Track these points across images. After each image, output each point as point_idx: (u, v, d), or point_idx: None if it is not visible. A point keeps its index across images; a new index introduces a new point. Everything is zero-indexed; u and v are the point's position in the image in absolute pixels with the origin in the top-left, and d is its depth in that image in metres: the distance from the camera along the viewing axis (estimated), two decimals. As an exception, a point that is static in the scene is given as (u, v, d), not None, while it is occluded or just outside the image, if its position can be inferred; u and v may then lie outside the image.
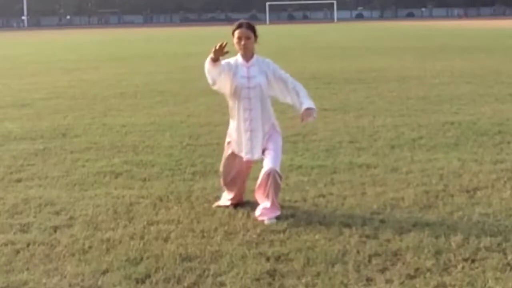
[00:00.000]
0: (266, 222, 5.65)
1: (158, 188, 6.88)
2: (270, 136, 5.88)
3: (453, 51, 27.94)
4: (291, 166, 7.64)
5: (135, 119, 11.45)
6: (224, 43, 5.48)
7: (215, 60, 5.56)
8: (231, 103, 5.92)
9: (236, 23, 5.81)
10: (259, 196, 5.87)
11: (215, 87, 5.86)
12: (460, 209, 5.96)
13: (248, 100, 5.78)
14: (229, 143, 6.05)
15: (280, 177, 5.81)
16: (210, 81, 5.77)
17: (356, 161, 7.89)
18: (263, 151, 5.88)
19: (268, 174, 5.70)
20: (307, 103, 5.83)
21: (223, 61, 5.71)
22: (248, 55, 5.81)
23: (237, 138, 5.91)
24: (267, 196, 5.75)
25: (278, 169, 5.76)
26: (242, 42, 5.73)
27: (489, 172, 7.28)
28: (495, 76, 17.20)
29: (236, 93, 5.79)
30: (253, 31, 5.77)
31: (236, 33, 5.73)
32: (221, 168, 6.15)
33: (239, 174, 6.04)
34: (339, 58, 25.41)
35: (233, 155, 6.00)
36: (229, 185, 6.09)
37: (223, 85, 5.81)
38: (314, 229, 5.46)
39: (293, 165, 7.72)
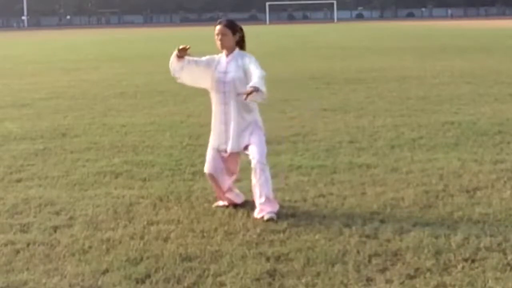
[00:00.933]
0: (265, 217, 5.66)
1: (158, 188, 6.88)
2: (252, 132, 5.95)
3: (453, 51, 27.95)
4: (291, 166, 7.64)
5: (135, 119, 11.45)
6: (188, 47, 5.93)
7: (180, 57, 5.99)
8: (211, 97, 6.14)
9: (217, 21, 6.14)
10: (254, 194, 5.89)
11: (178, 81, 6.24)
12: (460, 209, 5.95)
13: (223, 94, 5.98)
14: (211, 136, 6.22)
15: (267, 168, 5.87)
16: (171, 74, 6.16)
17: (356, 161, 7.89)
18: (246, 147, 5.95)
19: (255, 169, 5.81)
20: (254, 82, 5.65)
21: (208, 56, 6.09)
22: (228, 51, 6.02)
23: (214, 131, 6.10)
24: (260, 192, 5.79)
25: (264, 161, 5.85)
26: (219, 38, 5.98)
27: (489, 172, 7.28)
28: (495, 76, 17.20)
29: (213, 87, 6.03)
30: (231, 28, 5.99)
31: (215, 30, 6.02)
32: (205, 165, 6.19)
33: (221, 169, 6.08)
34: (339, 58, 25.41)
35: (213, 149, 6.13)
36: (213, 181, 6.14)
37: (193, 78, 6.13)
38: (314, 229, 5.46)
39: (293, 165, 7.72)
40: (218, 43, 6.00)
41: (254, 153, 5.86)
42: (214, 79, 6.01)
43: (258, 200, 5.81)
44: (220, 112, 6.02)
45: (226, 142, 6.00)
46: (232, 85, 5.93)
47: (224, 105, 5.98)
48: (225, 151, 6.03)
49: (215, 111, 6.09)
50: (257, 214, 5.79)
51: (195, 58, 6.05)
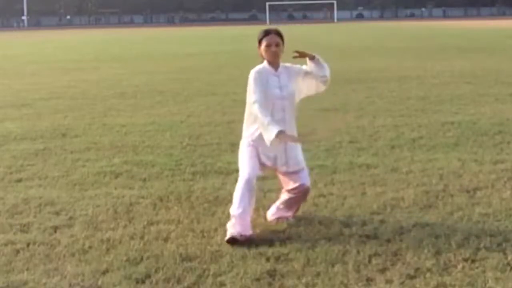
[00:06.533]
0: (288, 220, 5.64)
1: (158, 188, 6.88)
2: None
3: (453, 51, 27.95)
4: (291, 166, 7.62)
5: (135, 119, 11.44)
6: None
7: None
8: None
9: (263, 31, 5.49)
10: (285, 200, 5.68)
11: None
12: (460, 209, 5.95)
13: (282, 111, 5.42)
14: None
15: None
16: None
17: (356, 161, 7.89)
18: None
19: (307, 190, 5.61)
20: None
21: (256, 82, 5.37)
22: (276, 63, 5.48)
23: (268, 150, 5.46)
24: (294, 207, 5.68)
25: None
26: (272, 49, 5.40)
27: (489, 172, 7.28)
28: (495, 76, 17.20)
29: (268, 105, 5.36)
30: (281, 37, 5.52)
31: (265, 40, 5.42)
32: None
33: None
34: (339, 58, 25.37)
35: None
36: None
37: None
38: (314, 229, 5.46)
39: (293, 165, 7.70)
40: (271, 54, 5.40)
41: (304, 176, 5.66)
42: (269, 97, 5.36)
43: (284, 212, 5.72)
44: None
45: (287, 163, 5.52)
46: (292, 100, 5.48)
47: (283, 122, 5.36)
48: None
49: None
50: (277, 217, 5.72)
51: (262, 99, 5.32)
